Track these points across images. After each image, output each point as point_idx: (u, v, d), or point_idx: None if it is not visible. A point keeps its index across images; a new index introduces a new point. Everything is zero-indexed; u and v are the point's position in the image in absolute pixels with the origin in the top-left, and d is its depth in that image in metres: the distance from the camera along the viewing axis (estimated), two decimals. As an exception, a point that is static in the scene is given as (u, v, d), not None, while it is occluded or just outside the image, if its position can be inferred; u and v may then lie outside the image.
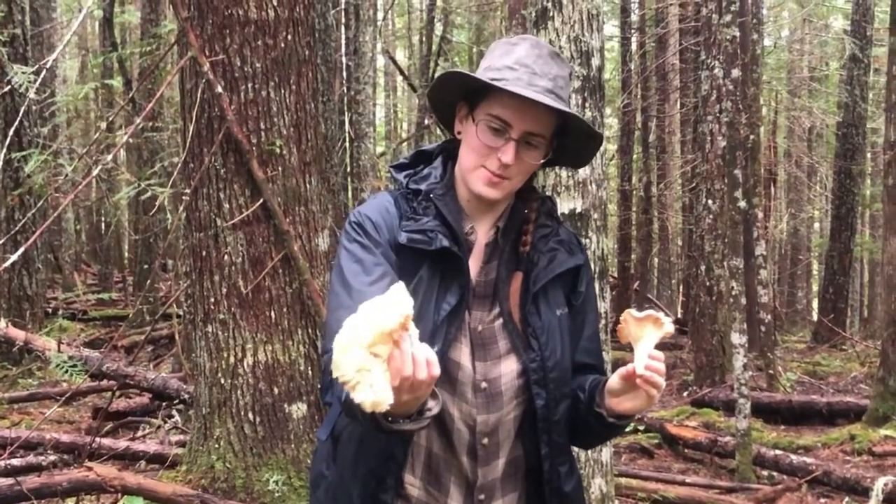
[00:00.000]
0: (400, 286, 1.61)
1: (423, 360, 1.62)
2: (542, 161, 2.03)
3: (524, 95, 1.91)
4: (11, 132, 9.75)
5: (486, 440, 2.03)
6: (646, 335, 1.95)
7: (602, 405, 2.00)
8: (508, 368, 2.02)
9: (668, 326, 1.98)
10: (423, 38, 19.43)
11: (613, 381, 1.98)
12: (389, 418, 1.73)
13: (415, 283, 1.96)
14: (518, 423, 2.05)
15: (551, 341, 2.02)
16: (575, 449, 2.23)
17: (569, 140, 2.07)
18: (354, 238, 2.00)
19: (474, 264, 2.05)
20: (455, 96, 2.07)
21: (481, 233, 2.07)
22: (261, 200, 5.52)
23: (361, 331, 1.56)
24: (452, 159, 2.09)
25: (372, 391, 1.55)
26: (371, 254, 1.97)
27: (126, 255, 21.76)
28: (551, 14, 4.45)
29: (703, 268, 11.53)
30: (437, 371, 1.64)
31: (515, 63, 1.96)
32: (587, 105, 4.44)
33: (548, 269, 2.04)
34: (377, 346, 1.56)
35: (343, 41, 14.21)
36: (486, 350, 2.03)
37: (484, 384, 2.01)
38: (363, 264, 1.95)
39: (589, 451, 4.40)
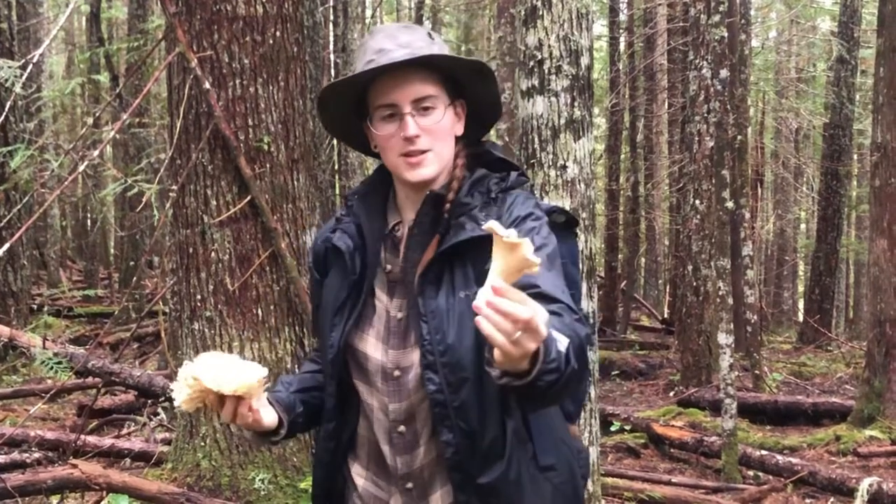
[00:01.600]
0: (261, 371, 1.95)
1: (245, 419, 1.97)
2: (452, 121, 2.05)
3: (382, 66, 1.96)
4: (-3, 127, 9.70)
5: (402, 428, 2.03)
6: (499, 258, 1.59)
7: (491, 361, 1.66)
8: (417, 355, 1.99)
9: (525, 250, 1.55)
10: (412, 37, 19.37)
11: None
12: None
13: (328, 280, 2.14)
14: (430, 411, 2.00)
15: (442, 324, 1.94)
16: None
17: (470, 92, 2.10)
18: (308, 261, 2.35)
19: (401, 254, 2.07)
20: (357, 128, 2.12)
21: (409, 223, 2.09)
22: (248, 197, 5.50)
23: (207, 370, 1.93)
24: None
25: (178, 394, 1.95)
26: (310, 280, 2.29)
27: (112, 251, 21.68)
28: (541, 13, 4.45)
29: (690, 268, 11.55)
30: (243, 422, 1.97)
31: (371, 53, 2.01)
32: (576, 104, 4.44)
33: (442, 245, 1.98)
34: (198, 382, 1.93)
35: (331, 38, 14.19)
36: (401, 338, 2.03)
37: (397, 372, 2.02)
38: (309, 288, 2.32)
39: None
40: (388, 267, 2.07)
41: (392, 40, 2.01)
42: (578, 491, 2.13)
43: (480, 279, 1.83)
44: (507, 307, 1.50)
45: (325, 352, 2.10)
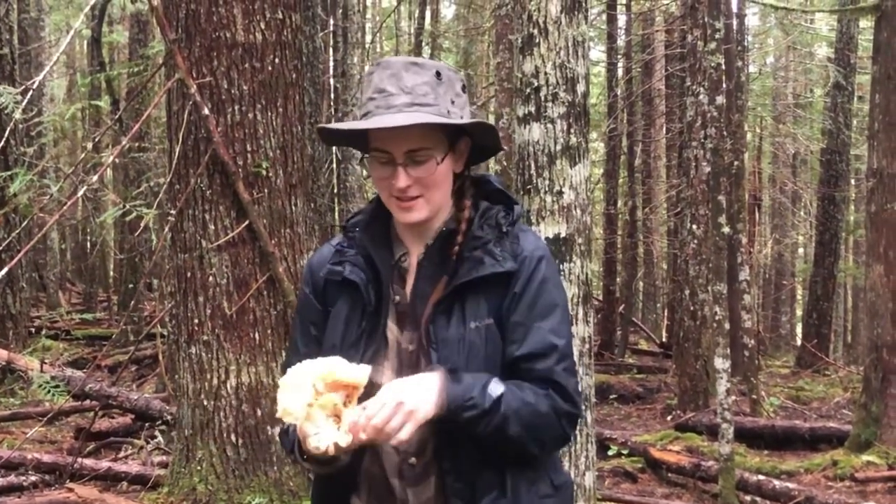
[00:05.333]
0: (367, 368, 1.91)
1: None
2: (447, 168, 2.05)
3: (370, 128, 1.97)
4: (-3, 151, 9.75)
5: (413, 460, 2.03)
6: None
7: None
8: None
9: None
10: (411, 61, 19.46)
11: None
12: (304, 455, 1.97)
13: (334, 312, 2.12)
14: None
15: (452, 353, 1.98)
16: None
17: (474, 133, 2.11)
18: (300, 287, 2.27)
19: (409, 286, 2.09)
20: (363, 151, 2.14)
21: (416, 254, 2.10)
22: (246, 222, 5.53)
23: (339, 366, 1.88)
24: None
25: (292, 405, 1.86)
26: (301, 306, 2.23)
27: (111, 274, 21.69)
28: (537, 40, 4.49)
29: (687, 292, 11.57)
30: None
31: (374, 92, 2.01)
32: (572, 130, 4.48)
33: (460, 278, 2.02)
34: (328, 393, 1.86)
35: (331, 63, 14.28)
36: (414, 370, 2.03)
37: None
38: (298, 314, 2.24)
39: (572, 475, 4.40)
40: (397, 298, 2.09)
41: (396, 82, 1.99)
42: None
43: (492, 311, 1.99)
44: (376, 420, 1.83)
45: None
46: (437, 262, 2.07)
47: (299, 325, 2.22)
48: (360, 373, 1.88)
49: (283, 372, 1.99)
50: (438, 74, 2.03)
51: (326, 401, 1.86)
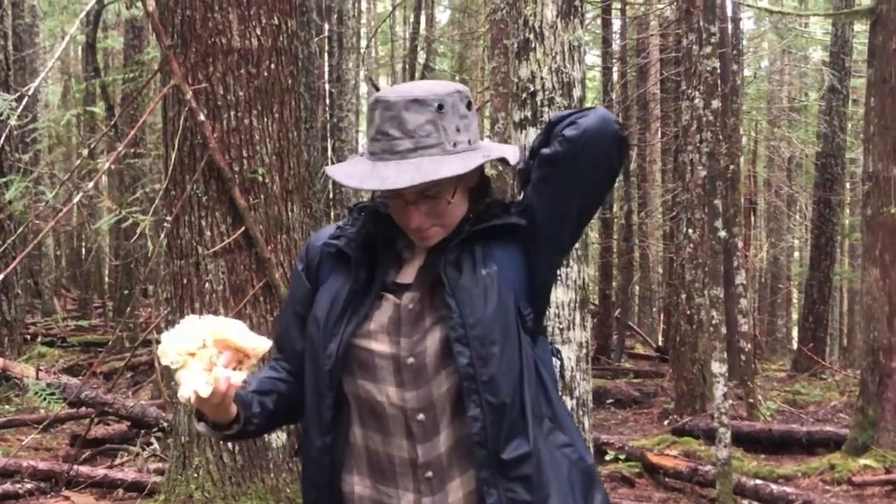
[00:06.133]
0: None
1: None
2: (458, 195, 2.06)
3: (386, 190, 1.97)
4: (-8, 157, 9.73)
5: (421, 416, 2.02)
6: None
7: None
8: (434, 339, 2.01)
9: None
10: (406, 67, 19.54)
11: None
12: (203, 417, 2.05)
13: (324, 287, 2.14)
14: (454, 393, 2.01)
15: (471, 298, 1.99)
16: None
17: None
18: (295, 264, 2.29)
19: (413, 266, 2.11)
20: None
21: (420, 246, 2.12)
22: (242, 228, 5.52)
23: (234, 329, 1.96)
24: None
25: (172, 347, 1.90)
26: (292, 283, 2.28)
27: (106, 280, 21.65)
28: (533, 45, 4.49)
29: (683, 296, 11.57)
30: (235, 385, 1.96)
31: (377, 133, 1.99)
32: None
33: (470, 230, 2.05)
34: (209, 349, 1.93)
35: (326, 69, 14.30)
36: (412, 326, 2.04)
37: (411, 360, 2.02)
38: (290, 294, 2.28)
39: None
40: (389, 280, 2.10)
41: (398, 125, 1.96)
42: (592, 470, 2.14)
43: (500, 260, 2.03)
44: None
45: (317, 363, 2.08)
46: (449, 244, 2.08)
47: (287, 301, 2.28)
48: (255, 342, 1.96)
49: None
50: (440, 107, 1.98)
51: (205, 354, 1.91)
